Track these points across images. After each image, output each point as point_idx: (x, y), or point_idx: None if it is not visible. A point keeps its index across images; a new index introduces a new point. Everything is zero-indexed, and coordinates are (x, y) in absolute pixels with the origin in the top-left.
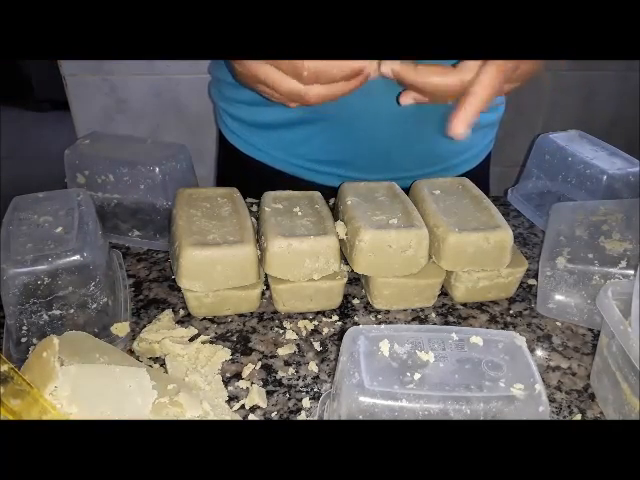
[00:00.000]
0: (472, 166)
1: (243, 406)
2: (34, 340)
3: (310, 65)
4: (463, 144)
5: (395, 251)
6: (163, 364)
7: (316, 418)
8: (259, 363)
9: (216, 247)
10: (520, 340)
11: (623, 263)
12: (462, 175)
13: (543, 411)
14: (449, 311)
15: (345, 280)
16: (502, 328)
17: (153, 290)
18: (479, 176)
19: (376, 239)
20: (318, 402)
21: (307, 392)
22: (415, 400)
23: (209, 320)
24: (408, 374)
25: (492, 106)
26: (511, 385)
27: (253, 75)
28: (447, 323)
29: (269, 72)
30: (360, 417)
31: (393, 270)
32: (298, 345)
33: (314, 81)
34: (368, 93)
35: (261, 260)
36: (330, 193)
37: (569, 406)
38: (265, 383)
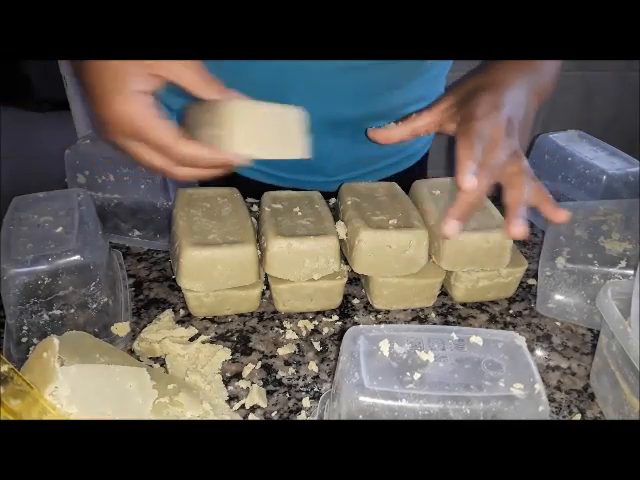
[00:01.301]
0: (405, 167)
1: (243, 406)
2: (34, 340)
3: (180, 152)
4: (389, 148)
5: (395, 251)
6: (163, 364)
7: (316, 418)
8: (259, 363)
9: (216, 247)
10: (520, 340)
11: (623, 263)
12: (396, 176)
13: (543, 411)
14: (449, 311)
15: (345, 280)
16: (502, 328)
17: (153, 290)
18: (415, 177)
19: (376, 239)
20: (318, 402)
21: (307, 392)
22: (415, 400)
23: (209, 320)
24: (408, 374)
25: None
26: (511, 385)
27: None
28: (447, 323)
29: (138, 148)
30: (360, 417)
31: (393, 270)
32: (298, 345)
33: (181, 164)
34: (285, 101)
35: (261, 260)
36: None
37: (569, 406)
38: (265, 383)
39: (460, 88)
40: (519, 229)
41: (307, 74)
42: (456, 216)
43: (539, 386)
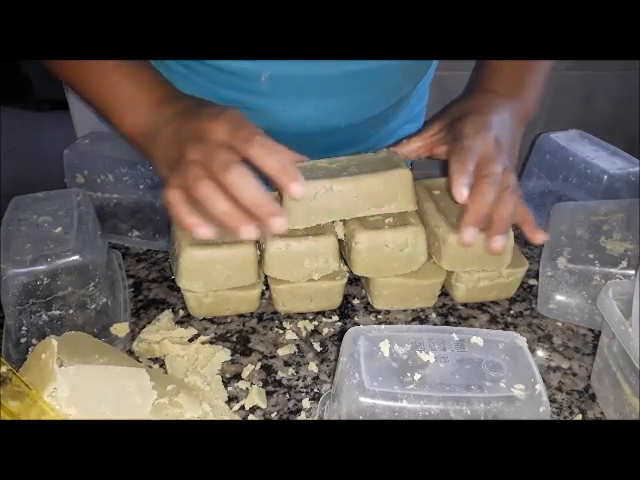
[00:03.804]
0: None
1: (243, 407)
2: (33, 340)
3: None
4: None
5: (392, 250)
6: (163, 364)
7: (316, 419)
8: (259, 363)
9: (216, 247)
10: (521, 340)
11: (624, 263)
12: None
13: (544, 411)
14: (449, 311)
15: (345, 280)
16: (502, 328)
17: (153, 290)
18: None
19: (372, 240)
20: (318, 402)
21: (307, 392)
22: (415, 400)
23: (209, 320)
24: (408, 374)
25: (416, 95)
26: (512, 385)
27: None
28: (447, 323)
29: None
30: (360, 417)
31: (392, 269)
32: (298, 345)
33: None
34: (266, 114)
35: (261, 261)
36: None
37: (570, 406)
38: (265, 383)
39: (447, 114)
40: (497, 245)
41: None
42: (471, 223)
43: (540, 387)
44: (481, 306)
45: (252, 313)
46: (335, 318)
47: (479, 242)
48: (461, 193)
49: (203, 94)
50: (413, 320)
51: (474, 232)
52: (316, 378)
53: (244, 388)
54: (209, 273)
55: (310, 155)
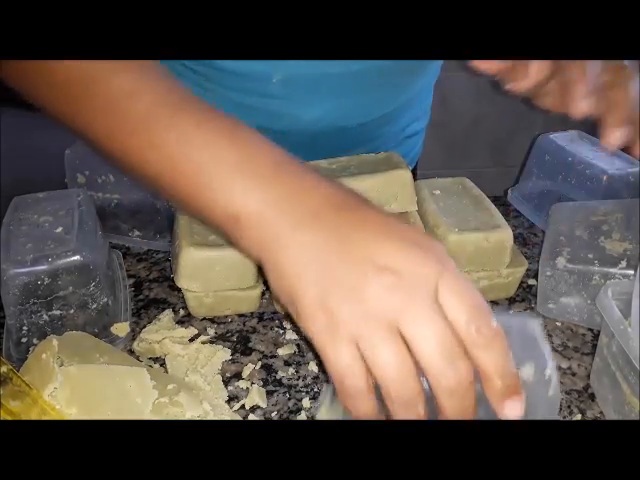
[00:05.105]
0: None
1: (243, 406)
2: (34, 340)
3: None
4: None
5: None
6: (163, 364)
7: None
8: (259, 363)
9: (216, 248)
10: (533, 322)
11: (623, 263)
12: None
13: (553, 395)
14: None
15: None
16: None
17: (153, 290)
18: None
19: None
20: (317, 402)
21: (307, 392)
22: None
23: (209, 320)
24: None
25: (423, 92)
26: (520, 368)
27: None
28: None
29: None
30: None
31: None
32: (298, 345)
33: None
34: (278, 116)
35: None
36: None
37: (569, 406)
38: (265, 383)
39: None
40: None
41: (316, 83)
42: (616, 124)
43: (550, 370)
44: None
45: (252, 313)
46: None
47: (479, 242)
48: (578, 109)
49: (213, 99)
50: None
51: (622, 133)
52: (316, 378)
53: (244, 387)
54: (208, 274)
55: (321, 155)
